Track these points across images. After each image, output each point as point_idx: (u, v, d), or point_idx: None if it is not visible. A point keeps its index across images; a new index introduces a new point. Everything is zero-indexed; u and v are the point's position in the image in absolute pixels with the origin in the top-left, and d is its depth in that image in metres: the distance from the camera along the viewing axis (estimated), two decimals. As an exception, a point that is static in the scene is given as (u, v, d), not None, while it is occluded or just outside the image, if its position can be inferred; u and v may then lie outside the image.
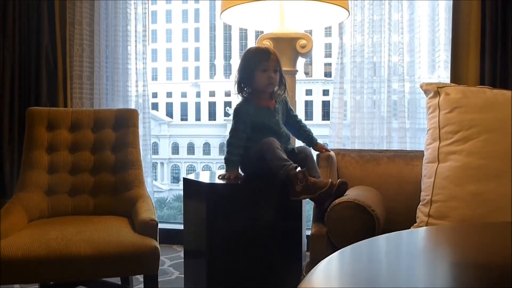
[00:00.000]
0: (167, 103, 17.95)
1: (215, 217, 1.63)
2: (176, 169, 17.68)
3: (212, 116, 18.12)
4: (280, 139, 1.72)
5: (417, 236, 1.20)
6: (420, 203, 1.78)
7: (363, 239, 1.49)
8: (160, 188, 15.53)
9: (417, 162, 1.94)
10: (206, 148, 17.86)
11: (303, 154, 1.76)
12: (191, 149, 17.83)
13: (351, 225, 1.51)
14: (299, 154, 1.77)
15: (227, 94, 18.12)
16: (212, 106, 18.10)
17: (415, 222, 1.77)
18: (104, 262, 1.51)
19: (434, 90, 1.88)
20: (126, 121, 2.04)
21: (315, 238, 1.59)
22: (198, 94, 18.06)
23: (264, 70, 1.71)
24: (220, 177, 1.73)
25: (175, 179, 17.74)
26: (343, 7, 2.00)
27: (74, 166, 1.99)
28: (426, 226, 1.70)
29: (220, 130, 17.70)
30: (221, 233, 1.64)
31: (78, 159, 1.99)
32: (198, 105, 18.18)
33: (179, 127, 17.59)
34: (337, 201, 1.58)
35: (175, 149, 17.60)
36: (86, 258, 1.50)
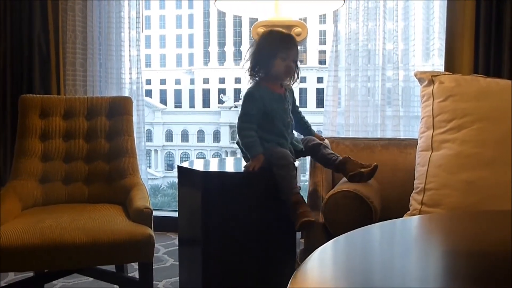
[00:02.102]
0: (160, 90, 17.86)
1: (210, 205, 1.63)
2: (170, 156, 17.66)
3: (206, 103, 18.06)
4: (287, 128, 1.68)
5: (410, 225, 1.22)
6: (414, 191, 1.79)
7: (356, 224, 1.51)
8: (154, 176, 15.52)
9: (411, 150, 1.95)
10: (200, 136, 17.82)
11: (314, 143, 1.74)
12: (185, 136, 17.79)
13: (349, 215, 1.52)
14: (309, 141, 1.74)
15: (221, 81, 18.05)
16: (206, 93, 18.04)
17: (409, 210, 1.79)
18: (98, 250, 1.52)
19: (428, 79, 1.88)
20: (120, 108, 2.03)
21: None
22: (192, 81, 17.97)
23: (284, 59, 1.63)
24: (246, 167, 1.65)
25: (169, 167, 17.73)
26: (338, -6, 1.99)
27: (68, 154, 1.98)
28: (419, 214, 1.72)
29: (214, 117, 17.67)
30: (216, 221, 1.64)
31: (71, 147, 1.98)
32: (192, 92, 18.10)
33: (173, 114, 17.53)
34: (335, 190, 1.59)
35: (169, 136, 17.57)
36: (81, 246, 1.50)
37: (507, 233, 1.05)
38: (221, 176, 1.65)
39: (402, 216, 1.79)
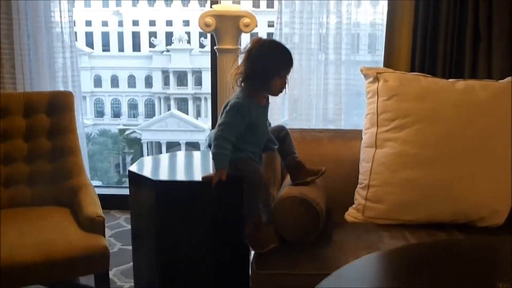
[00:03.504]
0: (86, 33, 16.74)
1: (163, 212, 1.63)
2: (100, 103, 16.94)
3: (136, 47, 17.25)
4: (264, 138, 1.66)
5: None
6: (358, 186, 1.90)
7: (308, 231, 1.60)
8: (84, 123, 14.91)
9: (356, 143, 2.02)
10: (131, 81, 17.17)
11: (284, 132, 1.72)
12: (115, 82, 17.06)
13: (297, 219, 1.58)
14: (280, 131, 1.72)
15: (152, 23, 17.23)
16: (136, 36, 17.18)
17: (353, 203, 1.90)
18: (52, 267, 1.49)
19: (374, 76, 1.94)
20: (61, 105, 1.92)
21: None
22: (120, 23, 16.97)
23: (283, 77, 1.58)
24: (204, 178, 1.61)
25: (99, 114, 17.06)
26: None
27: (6, 156, 1.86)
28: (363, 208, 1.83)
29: (145, 62, 16.99)
30: (169, 227, 1.65)
31: (9, 148, 1.86)
32: (120, 35, 17.14)
33: (101, 58, 16.60)
34: (283, 194, 1.64)
35: (98, 82, 16.74)
36: (33, 264, 1.46)
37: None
38: (174, 185, 1.64)
39: (346, 209, 1.91)
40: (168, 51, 17.10)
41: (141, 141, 16.81)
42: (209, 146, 1.67)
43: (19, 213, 1.77)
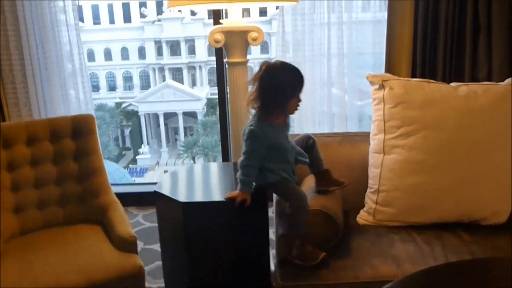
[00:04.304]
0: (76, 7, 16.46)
1: (191, 232, 1.75)
2: (95, 77, 16.82)
3: (127, 18, 16.98)
4: (290, 152, 1.70)
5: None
6: (369, 190, 2.02)
7: (327, 241, 1.73)
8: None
9: (363, 146, 2.13)
10: (125, 53, 17.01)
11: (312, 141, 1.80)
12: (108, 55, 16.90)
13: (317, 230, 1.72)
14: (307, 140, 1.80)
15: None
16: (126, 7, 16.88)
17: (363, 205, 2.04)
18: (93, 288, 1.63)
19: (379, 83, 2.03)
20: (83, 128, 2.01)
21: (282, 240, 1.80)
22: (109, -5, 16.68)
23: (297, 96, 1.64)
24: (228, 198, 1.70)
25: (94, 88, 16.96)
26: None
27: (38, 180, 1.97)
28: (374, 212, 1.97)
29: (137, 33, 16.76)
30: (196, 244, 1.78)
31: (40, 173, 1.97)
32: (110, 7, 16.85)
33: (92, 32, 16.38)
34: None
35: (91, 56, 16.58)
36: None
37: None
38: (202, 205, 1.75)
39: (357, 211, 2.04)
40: (159, 20, 16.85)
41: (138, 114, 16.85)
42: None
43: (55, 234, 1.90)
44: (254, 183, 1.71)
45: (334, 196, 1.86)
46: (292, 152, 1.73)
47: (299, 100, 1.66)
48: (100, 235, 1.87)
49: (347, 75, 2.83)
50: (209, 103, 16.95)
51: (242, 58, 2.15)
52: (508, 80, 2.00)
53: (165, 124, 17.15)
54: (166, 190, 1.84)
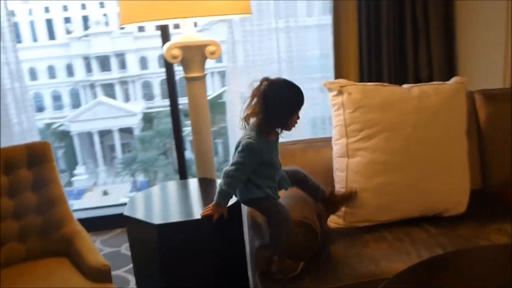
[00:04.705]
0: (-7, 25, 15.54)
1: (166, 254, 1.71)
2: (20, 98, 15.92)
3: (51, 35, 16.25)
4: (277, 170, 1.72)
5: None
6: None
7: (308, 250, 1.75)
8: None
9: (326, 151, 2.18)
10: (51, 72, 16.25)
11: (302, 174, 1.84)
12: (33, 74, 16.07)
13: (299, 241, 1.73)
14: (297, 174, 1.84)
15: (65, 8, 16.25)
16: (49, 24, 16.15)
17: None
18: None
19: (338, 89, 2.09)
20: (40, 156, 1.90)
21: (260, 251, 1.80)
22: (30, 12, 15.87)
23: (297, 113, 1.66)
24: (203, 215, 1.68)
25: (20, 110, 16.05)
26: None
27: (-7, 216, 1.83)
28: (343, 214, 2.01)
29: (63, 50, 16.07)
30: (171, 265, 1.74)
31: (-5, 208, 1.83)
32: (32, 24, 16.06)
33: (14, 52, 15.52)
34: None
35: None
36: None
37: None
38: (177, 226, 1.71)
39: (327, 215, 2.08)
40: (86, 36, 16.27)
41: (71, 133, 16.14)
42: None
43: (20, 272, 1.77)
44: (233, 197, 1.71)
45: (307, 203, 1.89)
46: (279, 170, 1.74)
47: (298, 117, 1.68)
48: (69, 268, 1.77)
49: (297, 81, 2.89)
50: (145, 117, 16.60)
51: (200, 73, 2.13)
52: (454, 79, 2.13)
53: (101, 142, 16.55)
54: (136, 213, 1.79)
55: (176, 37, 2.11)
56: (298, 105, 1.64)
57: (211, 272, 1.80)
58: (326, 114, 3.02)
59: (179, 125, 3.07)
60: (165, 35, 2.84)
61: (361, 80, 2.78)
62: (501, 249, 1.62)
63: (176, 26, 2.48)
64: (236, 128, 2.85)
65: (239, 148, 1.63)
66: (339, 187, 2.05)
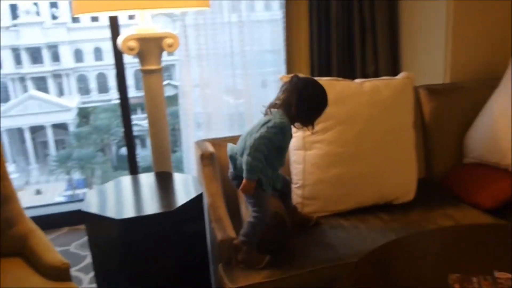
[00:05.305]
0: None
1: (128, 250, 1.69)
2: None
3: (-24, 25, 15.21)
4: (282, 165, 1.76)
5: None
6: (294, 186, 2.13)
7: (280, 241, 1.79)
8: None
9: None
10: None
11: (287, 182, 1.90)
12: (-45, 66, 14.96)
13: (272, 232, 1.76)
14: (287, 186, 1.91)
15: None
16: (-27, 12, 15.11)
17: (290, 201, 2.14)
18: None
19: (294, 84, 2.14)
20: (-12, 151, 1.80)
21: (224, 243, 1.82)
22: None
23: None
24: (236, 183, 1.71)
25: None
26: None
27: None
28: (301, 206, 2.08)
29: None
30: (133, 263, 1.72)
31: None
32: (-47, 13, 14.94)
33: None
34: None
35: None
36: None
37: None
38: (138, 220, 1.69)
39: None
40: (15, 26, 15.37)
41: (-1, 130, 15.23)
42: (230, 157, 1.74)
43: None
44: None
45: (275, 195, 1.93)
46: (284, 163, 1.77)
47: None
48: (24, 268, 1.70)
49: (250, 75, 2.94)
50: (81, 112, 15.98)
51: (157, 65, 2.11)
52: (402, 74, 2.25)
53: (32, 139, 15.76)
54: (96, 209, 1.75)
55: (132, 29, 2.08)
56: (326, 105, 1.74)
57: (173, 266, 1.79)
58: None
59: (129, 119, 3.01)
60: (114, 26, 2.77)
61: (312, 75, 2.87)
62: (449, 231, 1.75)
63: (131, 17, 2.42)
64: (190, 121, 2.85)
65: (270, 124, 1.63)
66: (297, 179, 2.11)
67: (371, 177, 2.07)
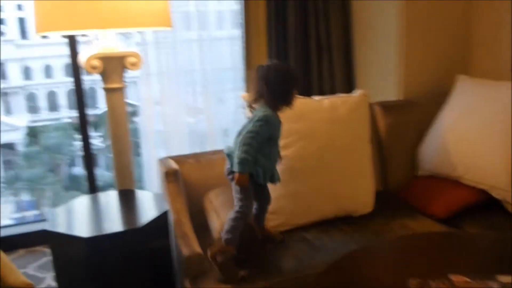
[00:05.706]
0: None
1: (99, 268, 1.68)
2: None
3: None
4: (277, 157, 1.88)
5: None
6: (257, 202, 2.17)
7: (250, 250, 1.83)
8: None
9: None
10: None
11: (270, 198, 1.97)
12: None
13: (243, 241, 1.80)
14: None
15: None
16: None
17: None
18: None
19: (256, 102, 2.20)
20: None
21: (191, 259, 1.83)
22: None
23: (295, 89, 1.78)
24: (230, 177, 1.76)
25: None
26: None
27: None
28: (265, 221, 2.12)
29: None
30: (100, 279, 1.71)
31: None
32: None
33: None
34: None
35: None
36: None
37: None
38: (105, 238, 1.68)
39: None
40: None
41: None
42: (227, 156, 1.80)
43: None
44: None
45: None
46: (278, 154, 1.87)
47: (296, 93, 1.81)
48: (-17, 292, 1.64)
49: (211, 93, 2.99)
50: (30, 132, 15.42)
51: (120, 84, 2.11)
52: (358, 92, 2.36)
53: (-23, 160, 15.03)
54: (61, 228, 1.72)
55: (93, 47, 2.08)
56: (296, 80, 1.79)
57: (139, 283, 1.79)
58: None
59: (87, 137, 2.97)
60: (72, 43, 2.75)
61: (271, 92, 2.94)
62: (406, 239, 1.85)
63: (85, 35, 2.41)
64: (150, 138, 2.86)
65: (256, 118, 1.71)
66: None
67: (331, 191, 2.15)
